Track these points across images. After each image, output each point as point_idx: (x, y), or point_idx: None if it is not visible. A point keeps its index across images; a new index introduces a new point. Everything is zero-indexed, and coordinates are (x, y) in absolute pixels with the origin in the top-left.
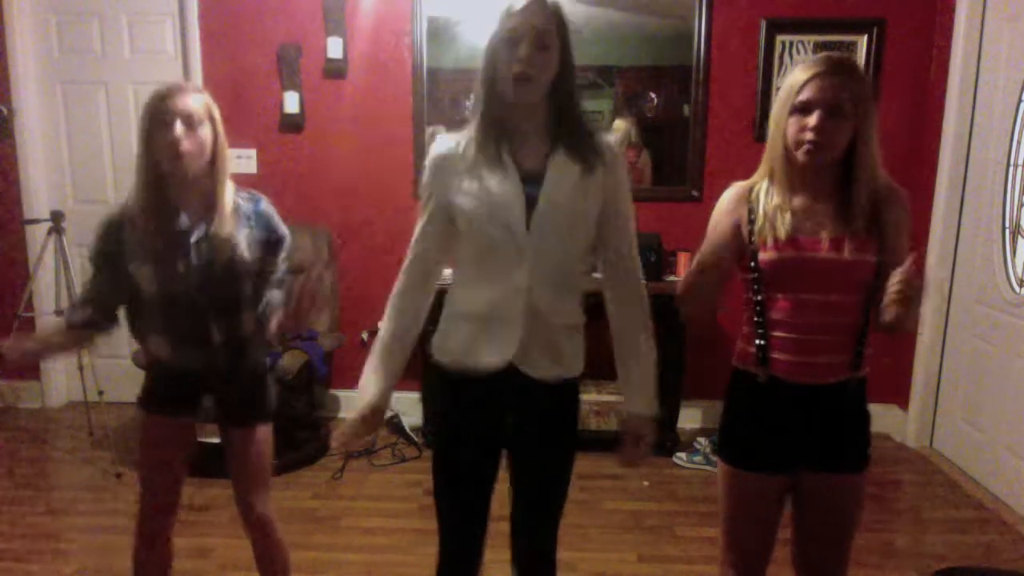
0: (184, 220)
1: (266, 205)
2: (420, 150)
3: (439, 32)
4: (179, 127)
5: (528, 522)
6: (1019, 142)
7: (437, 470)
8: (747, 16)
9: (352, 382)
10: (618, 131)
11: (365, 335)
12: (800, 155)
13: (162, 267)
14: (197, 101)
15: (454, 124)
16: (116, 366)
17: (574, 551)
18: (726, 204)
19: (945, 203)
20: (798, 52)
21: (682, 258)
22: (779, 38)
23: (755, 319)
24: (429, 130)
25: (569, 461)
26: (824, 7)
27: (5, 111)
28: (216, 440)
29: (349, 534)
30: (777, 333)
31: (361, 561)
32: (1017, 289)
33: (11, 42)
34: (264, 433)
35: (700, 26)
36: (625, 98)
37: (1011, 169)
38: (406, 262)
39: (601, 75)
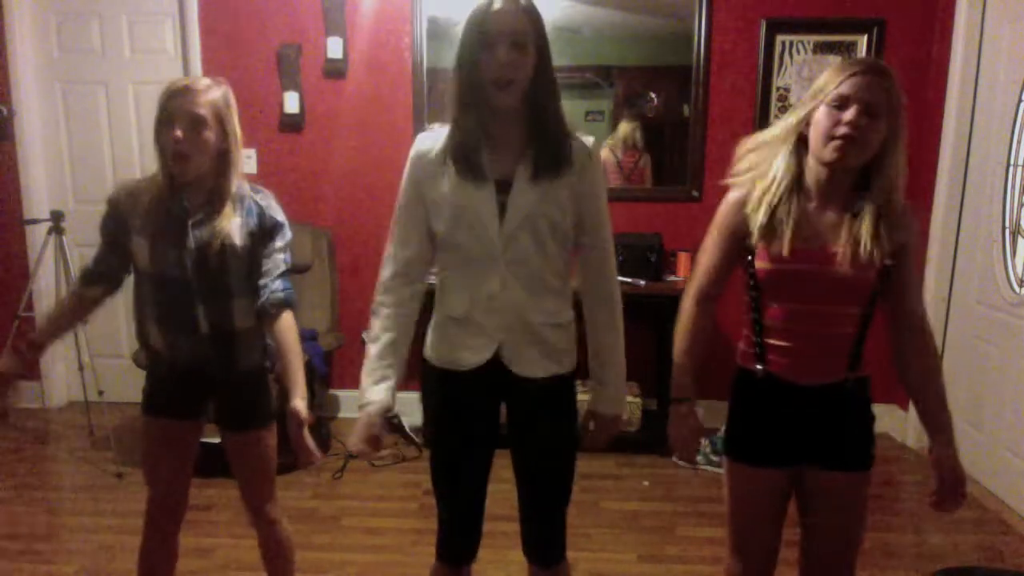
0: (184, 204)
1: (263, 197)
2: None
3: (439, 32)
4: (179, 131)
5: (534, 516)
6: (1019, 142)
7: (433, 444)
8: (747, 16)
9: (352, 382)
10: (622, 133)
11: (365, 335)
12: (829, 152)
13: (157, 245)
14: (205, 103)
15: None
16: (116, 366)
17: (574, 551)
18: (725, 217)
19: (945, 203)
20: (798, 52)
21: (682, 258)
22: (779, 38)
23: (752, 319)
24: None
25: (570, 454)
26: (824, 7)
27: (5, 111)
28: (216, 440)
29: (349, 534)
30: (772, 340)
31: (361, 561)
32: (1017, 289)
33: (11, 42)
34: (266, 437)
35: (700, 26)
36: (625, 98)
37: (1011, 169)
38: (388, 269)
39: (601, 75)
